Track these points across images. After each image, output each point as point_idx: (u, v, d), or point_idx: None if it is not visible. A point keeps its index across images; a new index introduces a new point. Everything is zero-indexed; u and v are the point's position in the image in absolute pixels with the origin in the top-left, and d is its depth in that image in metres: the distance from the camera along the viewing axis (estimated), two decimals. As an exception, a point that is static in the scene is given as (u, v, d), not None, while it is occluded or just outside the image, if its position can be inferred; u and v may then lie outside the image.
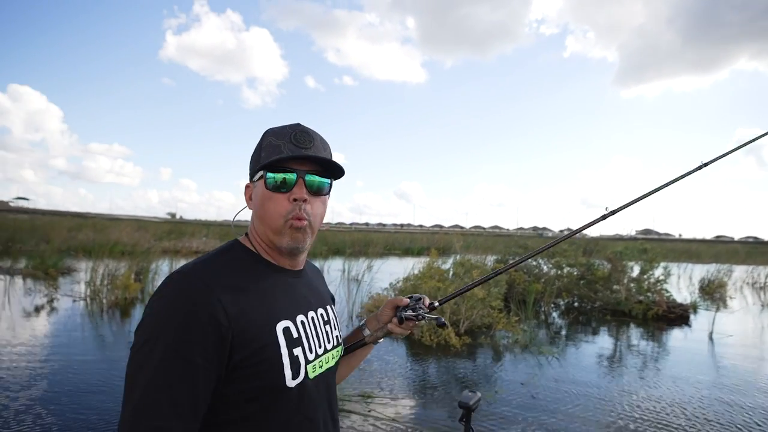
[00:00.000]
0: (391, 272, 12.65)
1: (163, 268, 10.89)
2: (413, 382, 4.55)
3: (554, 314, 8.94)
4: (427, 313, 1.06)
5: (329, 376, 0.97)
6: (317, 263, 11.87)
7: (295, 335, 0.86)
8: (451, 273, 7.58)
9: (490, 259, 11.31)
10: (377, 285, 10.24)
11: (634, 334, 7.36)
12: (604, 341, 6.85)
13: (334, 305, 1.11)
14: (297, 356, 0.85)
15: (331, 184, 0.94)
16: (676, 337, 7.24)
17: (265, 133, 0.92)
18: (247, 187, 0.96)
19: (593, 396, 4.31)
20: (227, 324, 0.75)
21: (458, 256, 9.50)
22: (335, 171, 0.93)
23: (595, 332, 7.43)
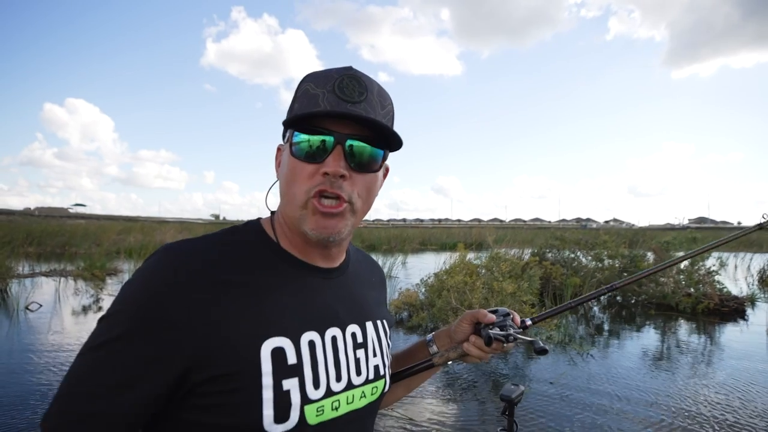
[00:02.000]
0: (424, 268, 12.54)
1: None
2: (441, 380, 4.43)
3: (595, 309, 8.52)
4: (520, 333, 0.82)
5: (356, 421, 0.69)
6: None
7: (292, 361, 0.62)
8: (483, 268, 7.37)
9: (527, 252, 10.96)
10: (409, 281, 10.15)
11: (682, 329, 6.88)
12: (647, 337, 6.44)
13: (386, 321, 0.83)
14: (287, 391, 0.60)
15: (385, 157, 0.69)
16: (729, 332, 6.71)
17: (304, 77, 0.68)
18: (278, 149, 0.73)
19: (628, 398, 4.03)
20: (189, 331, 0.57)
21: (491, 251, 9.24)
22: (391, 140, 0.67)
23: (638, 328, 7.00)
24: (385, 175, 0.74)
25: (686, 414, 3.65)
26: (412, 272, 13.33)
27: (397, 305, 7.10)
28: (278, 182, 0.71)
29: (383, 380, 0.75)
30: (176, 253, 0.62)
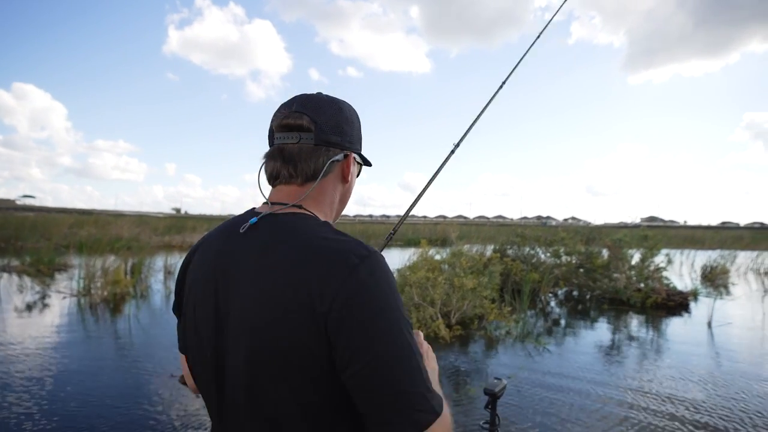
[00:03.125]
0: (390, 263, 12.55)
1: (158, 263, 10.86)
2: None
3: (552, 304, 8.81)
4: None
5: None
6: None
7: None
8: (445, 264, 7.47)
9: (489, 249, 11.19)
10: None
11: (632, 322, 7.22)
12: (599, 331, 6.72)
13: None
14: None
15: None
16: (673, 324, 7.10)
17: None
18: (347, 156, 0.80)
19: (577, 390, 4.19)
20: None
21: (454, 247, 9.37)
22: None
23: (592, 321, 7.29)
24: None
25: (636, 403, 3.84)
26: (377, 268, 13.33)
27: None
28: (339, 188, 0.83)
29: None
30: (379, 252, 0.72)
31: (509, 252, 10.55)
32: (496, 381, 1.39)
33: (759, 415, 3.65)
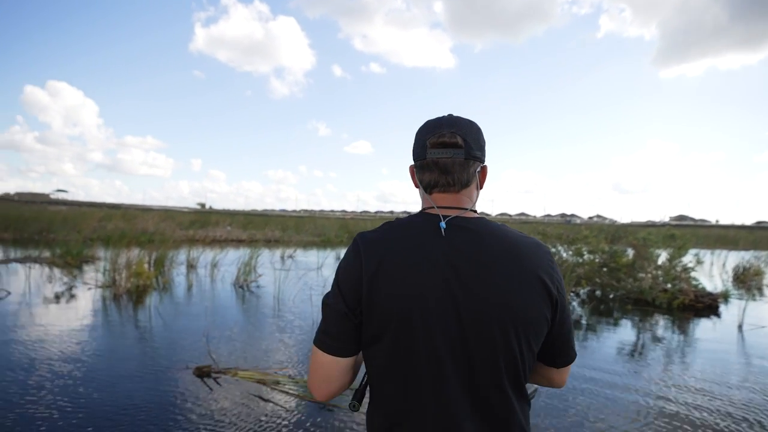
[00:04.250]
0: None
1: (180, 257, 11.08)
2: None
3: (574, 303, 8.60)
4: None
5: None
6: (336, 251, 11.84)
7: None
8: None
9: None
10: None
11: (657, 323, 6.97)
12: (623, 332, 6.51)
13: None
14: None
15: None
16: (701, 326, 6.82)
17: None
18: (484, 167, 0.99)
19: (598, 393, 4.06)
20: None
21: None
22: None
23: (615, 322, 7.07)
24: (412, 177, 1.03)
25: (663, 405, 3.69)
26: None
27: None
28: (477, 193, 1.01)
29: None
30: None
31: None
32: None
33: (792, 423, 3.45)
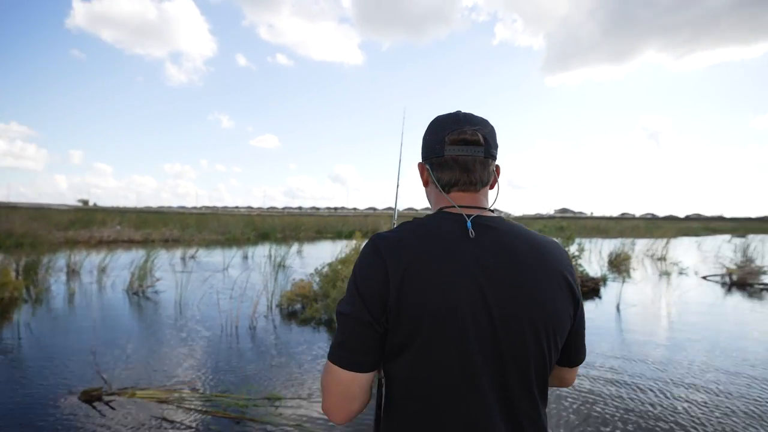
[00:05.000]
0: (320, 257, 12.30)
1: (58, 262, 9.68)
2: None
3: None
4: None
5: None
6: (243, 250, 11.09)
7: None
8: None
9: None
10: (304, 270, 9.87)
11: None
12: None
13: None
14: None
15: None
16: (588, 308, 7.66)
17: None
18: (497, 167, 0.96)
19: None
20: None
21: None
22: None
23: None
24: (421, 175, 0.99)
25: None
26: (308, 261, 13.04)
27: (290, 297, 6.81)
28: (489, 192, 0.98)
29: None
30: None
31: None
32: None
33: (656, 371, 4.00)
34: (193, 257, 13.66)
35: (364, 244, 0.87)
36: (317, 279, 7.14)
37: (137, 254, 9.95)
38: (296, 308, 6.80)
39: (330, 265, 7.17)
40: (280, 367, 4.41)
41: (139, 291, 7.99)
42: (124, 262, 10.67)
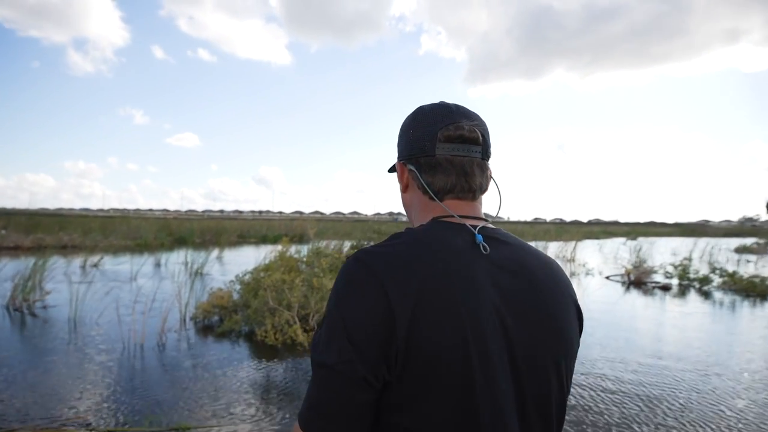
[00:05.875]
0: (243, 263, 11.66)
1: None
2: (251, 395, 3.98)
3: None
4: None
5: None
6: (156, 257, 10.12)
7: None
8: (303, 263, 7.11)
9: (347, 245, 11.19)
10: (225, 278, 9.25)
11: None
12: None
13: None
14: None
15: (395, 169, 0.84)
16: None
17: None
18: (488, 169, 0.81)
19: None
20: None
21: (312, 244, 9.08)
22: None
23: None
24: (401, 180, 0.81)
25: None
26: (229, 268, 12.30)
27: (206, 309, 6.29)
28: None
29: None
30: None
31: (366, 248, 10.69)
32: None
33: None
34: (95, 265, 12.27)
35: (344, 265, 0.66)
36: (238, 287, 6.69)
37: (25, 263, 8.67)
38: (213, 321, 6.29)
39: (252, 272, 6.75)
40: (193, 390, 3.98)
41: (23, 306, 6.93)
42: (7, 273, 9.28)
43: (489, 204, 0.84)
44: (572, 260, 16.65)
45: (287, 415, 3.50)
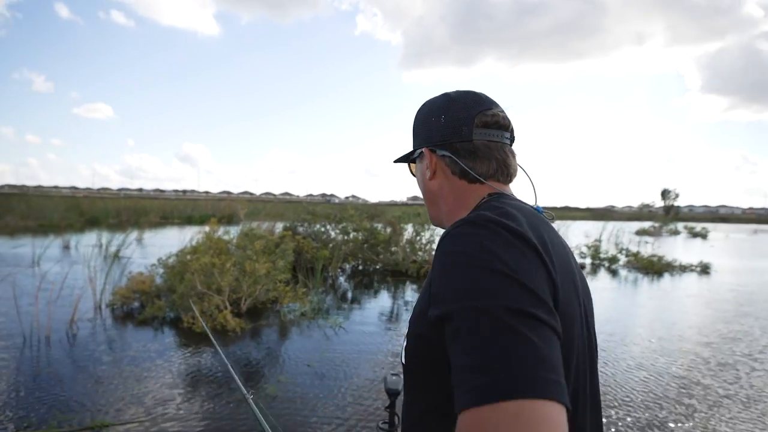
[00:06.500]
0: (166, 245, 10.89)
1: None
2: (178, 387, 3.72)
3: (341, 279, 9.12)
4: None
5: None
6: (64, 239, 9.04)
7: None
8: (234, 246, 6.75)
9: (279, 227, 10.85)
10: (146, 261, 8.57)
11: (408, 290, 8.07)
12: (384, 301, 7.26)
13: (425, 301, 0.65)
14: None
15: (410, 160, 0.87)
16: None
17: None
18: None
19: (371, 367, 4.33)
20: None
21: (243, 225, 8.68)
22: (415, 142, 0.83)
23: (376, 293, 7.84)
24: (429, 166, 0.78)
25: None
26: (151, 251, 11.43)
27: (124, 294, 5.78)
28: None
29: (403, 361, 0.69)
30: None
31: (300, 229, 10.45)
32: (396, 378, 1.34)
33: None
34: (-14, 249, 10.83)
35: (470, 225, 0.58)
36: (161, 271, 6.21)
37: None
38: (134, 307, 5.81)
39: (178, 254, 6.30)
40: (110, 384, 3.64)
41: None
42: None
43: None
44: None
45: (217, 408, 3.31)
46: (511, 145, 0.77)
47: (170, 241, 12.35)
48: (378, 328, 5.63)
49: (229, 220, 16.81)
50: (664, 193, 76.88)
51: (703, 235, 27.12)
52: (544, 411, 0.42)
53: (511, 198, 0.72)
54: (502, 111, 0.76)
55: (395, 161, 0.90)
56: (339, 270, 9.63)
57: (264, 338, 4.97)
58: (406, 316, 6.18)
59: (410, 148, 0.85)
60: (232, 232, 7.56)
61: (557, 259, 0.60)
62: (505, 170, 0.75)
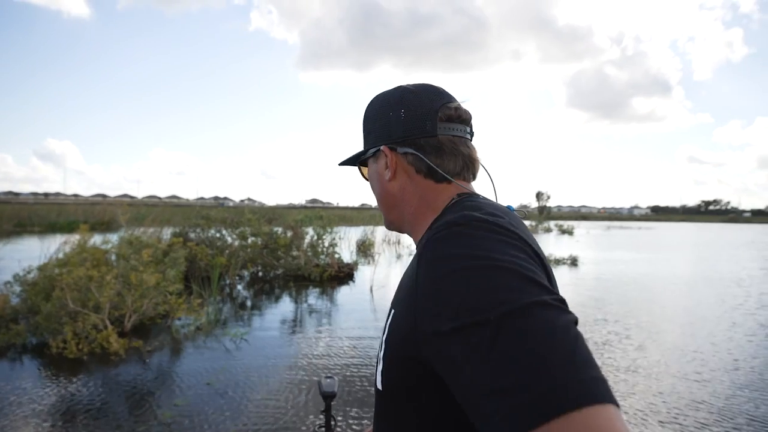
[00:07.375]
0: (23, 258, 9.28)
1: None
2: (49, 423, 3.18)
3: (239, 287, 8.64)
4: None
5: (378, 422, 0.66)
6: None
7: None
8: (116, 256, 5.98)
9: (167, 233, 9.93)
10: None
11: (311, 295, 7.93)
12: (286, 307, 7.04)
13: (410, 316, 0.54)
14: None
15: (361, 161, 0.79)
16: (344, 292, 8.24)
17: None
18: None
19: (280, 377, 4.17)
20: None
21: (125, 232, 7.74)
22: (368, 141, 0.75)
23: (278, 300, 7.58)
24: (389, 166, 0.71)
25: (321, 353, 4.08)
26: (3, 266, 9.64)
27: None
28: None
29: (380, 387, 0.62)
30: None
31: (191, 236, 9.69)
32: (330, 381, 1.35)
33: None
34: None
35: (462, 226, 0.54)
36: (18, 290, 5.27)
37: None
38: (-19, 334, 4.84)
39: (40, 268, 5.39)
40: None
41: None
42: None
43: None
44: (398, 242, 18.11)
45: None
46: (471, 140, 0.72)
47: (28, 254, 10.56)
48: (282, 334, 5.45)
49: (107, 226, 14.94)
50: (539, 195, 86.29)
51: (570, 232, 30.99)
52: (611, 418, 0.37)
53: (483, 198, 0.68)
54: (463, 104, 0.72)
55: (341, 164, 0.81)
56: (237, 277, 9.11)
57: (155, 359, 4.48)
58: (310, 321, 6.06)
59: (359, 149, 0.77)
60: (112, 240, 6.71)
61: (543, 257, 0.59)
62: (471, 167, 0.70)
